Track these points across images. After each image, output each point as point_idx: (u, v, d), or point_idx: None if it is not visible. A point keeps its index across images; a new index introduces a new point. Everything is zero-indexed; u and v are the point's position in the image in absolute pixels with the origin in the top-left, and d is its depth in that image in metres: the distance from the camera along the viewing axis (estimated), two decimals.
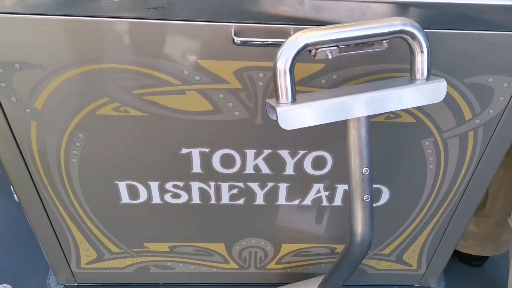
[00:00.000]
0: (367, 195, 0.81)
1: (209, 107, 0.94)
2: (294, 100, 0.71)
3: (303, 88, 0.90)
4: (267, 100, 0.74)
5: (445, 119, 0.96)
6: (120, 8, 0.78)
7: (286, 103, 0.71)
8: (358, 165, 0.79)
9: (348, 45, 0.73)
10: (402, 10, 0.79)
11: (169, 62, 0.87)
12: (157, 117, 0.95)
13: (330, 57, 0.71)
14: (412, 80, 0.76)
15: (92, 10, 0.79)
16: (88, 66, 0.86)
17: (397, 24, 0.72)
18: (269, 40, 0.81)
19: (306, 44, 0.69)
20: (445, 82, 0.75)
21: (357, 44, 0.73)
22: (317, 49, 0.71)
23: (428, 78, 0.76)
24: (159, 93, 0.91)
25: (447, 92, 0.83)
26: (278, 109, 0.70)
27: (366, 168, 0.79)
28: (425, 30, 0.78)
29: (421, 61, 0.74)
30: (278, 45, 0.80)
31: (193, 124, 0.97)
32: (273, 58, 0.82)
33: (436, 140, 1.00)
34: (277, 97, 0.72)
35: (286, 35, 0.81)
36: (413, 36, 0.73)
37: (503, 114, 0.94)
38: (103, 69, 0.87)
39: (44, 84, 0.88)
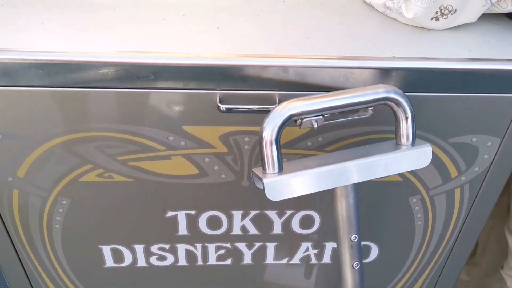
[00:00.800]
0: (356, 262, 0.80)
1: (195, 171, 0.93)
2: (281, 170, 0.71)
3: (289, 150, 0.90)
4: (253, 170, 0.74)
5: (431, 177, 0.96)
6: (104, 78, 0.78)
7: (273, 173, 0.70)
8: (346, 232, 0.79)
9: (333, 113, 0.73)
10: (384, 75, 0.80)
11: (154, 129, 0.86)
12: (142, 182, 0.94)
13: (315, 126, 0.71)
14: (397, 145, 0.77)
15: (76, 81, 0.78)
16: (72, 135, 0.85)
17: (380, 91, 0.73)
18: (254, 107, 0.82)
19: (292, 114, 0.70)
20: (430, 147, 0.75)
21: (342, 111, 0.73)
22: (302, 118, 0.71)
23: (413, 143, 0.76)
24: (144, 158, 0.90)
25: (432, 151, 0.83)
26: (265, 181, 0.70)
27: (355, 235, 0.78)
28: (408, 93, 0.79)
29: (406, 127, 0.74)
30: (263, 112, 0.80)
31: (179, 187, 0.95)
32: (259, 123, 0.82)
33: (423, 197, 0.99)
34: (263, 167, 0.71)
35: (271, 101, 0.82)
36: (397, 103, 0.73)
37: (488, 171, 0.95)
38: (87, 137, 0.86)
39: (26, 153, 0.87)
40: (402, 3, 0.84)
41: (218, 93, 0.82)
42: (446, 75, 0.81)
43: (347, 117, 0.75)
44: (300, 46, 0.82)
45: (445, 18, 0.83)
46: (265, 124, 0.69)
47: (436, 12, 0.82)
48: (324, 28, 0.88)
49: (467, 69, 0.80)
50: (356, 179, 0.73)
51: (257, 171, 0.73)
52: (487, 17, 0.89)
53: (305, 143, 0.89)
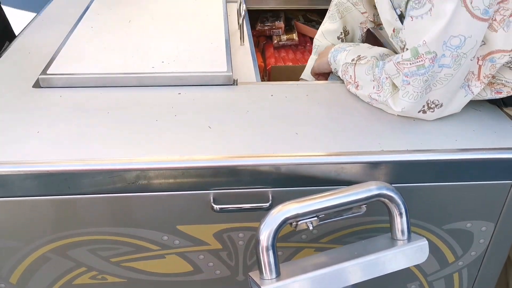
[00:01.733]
0: None
1: (189, 268, 0.92)
2: (278, 275, 0.70)
3: (284, 244, 0.90)
4: (250, 274, 0.73)
5: (429, 263, 0.95)
6: (98, 185, 0.78)
7: (271, 279, 0.69)
8: None
9: (328, 213, 0.73)
10: (375, 168, 0.82)
11: (148, 230, 0.85)
12: (136, 281, 0.92)
13: (311, 227, 0.71)
14: (393, 240, 0.76)
15: (71, 189, 0.78)
16: (66, 240, 0.84)
17: (373, 188, 0.73)
18: (248, 206, 0.82)
19: (286, 218, 0.70)
20: (427, 242, 0.75)
21: (336, 211, 0.74)
22: (297, 221, 0.71)
23: (409, 238, 0.76)
24: (138, 259, 0.89)
25: (428, 238, 0.83)
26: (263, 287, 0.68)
27: None
28: (399, 184, 0.81)
29: (401, 223, 0.75)
30: (257, 210, 0.80)
31: (173, 285, 0.94)
32: (253, 219, 0.82)
33: (422, 283, 0.98)
34: (260, 272, 0.70)
35: (264, 198, 0.82)
36: (390, 199, 0.74)
37: (485, 254, 0.95)
38: (81, 242, 0.85)
39: (19, 260, 0.86)
40: (388, 97, 0.86)
41: (211, 193, 0.82)
42: (435, 166, 0.82)
43: (342, 216, 0.75)
44: (290, 142, 0.84)
45: (432, 111, 0.85)
46: (261, 229, 0.69)
47: (423, 106, 0.85)
48: (312, 122, 0.90)
49: (455, 159, 0.82)
50: (354, 280, 0.72)
51: (255, 276, 0.72)
52: (470, 103, 0.92)
53: (300, 236, 0.89)
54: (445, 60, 0.77)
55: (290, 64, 1.66)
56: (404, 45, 0.81)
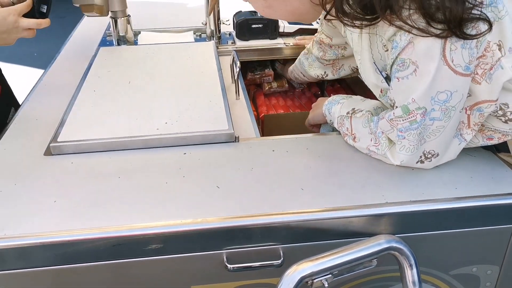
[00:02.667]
0: None
1: None
2: None
3: None
4: None
5: None
6: (114, 251, 0.80)
7: None
8: None
9: (341, 270, 0.76)
10: (381, 220, 0.85)
11: None
12: None
13: (326, 285, 0.73)
14: None
15: (90, 257, 0.80)
16: None
17: (382, 242, 0.77)
18: (260, 264, 0.84)
19: (302, 277, 0.72)
20: None
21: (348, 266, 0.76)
22: (313, 279, 0.73)
23: None
24: None
25: (436, 284, 0.86)
26: None
27: None
28: (404, 234, 0.84)
29: (412, 275, 0.77)
30: (270, 267, 0.83)
31: None
32: (266, 275, 0.84)
33: None
34: None
35: (276, 255, 0.85)
36: (400, 252, 0.77)
37: None
38: None
39: None
40: (387, 151, 0.90)
41: (224, 252, 0.84)
42: (438, 215, 0.86)
43: (354, 271, 0.78)
44: (297, 199, 0.87)
45: (429, 161, 0.89)
46: None
47: (421, 157, 0.89)
48: (316, 177, 0.93)
49: (457, 207, 0.85)
50: None
51: None
52: (465, 150, 0.96)
53: None
54: (435, 114, 0.81)
55: (282, 111, 1.70)
56: (394, 103, 0.86)
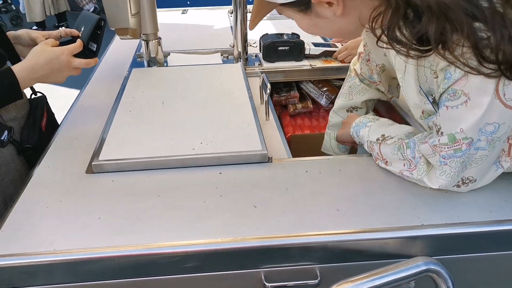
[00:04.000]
0: None
1: None
2: None
3: None
4: None
5: None
6: (156, 268, 0.82)
7: None
8: None
9: None
10: (417, 242, 0.86)
11: None
12: None
13: None
14: None
15: (135, 272, 0.83)
16: None
17: (420, 264, 0.78)
18: (298, 283, 0.86)
19: None
20: None
21: None
22: None
23: None
24: None
25: None
26: None
27: None
28: (440, 256, 0.85)
29: None
30: (307, 286, 0.84)
31: None
32: None
33: None
34: None
35: (312, 275, 0.86)
36: (438, 274, 0.78)
37: None
38: None
39: None
40: (424, 176, 0.92)
41: (262, 271, 0.86)
42: (474, 238, 0.87)
43: None
44: (333, 219, 0.89)
45: (466, 186, 0.91)
46: None
47: (458, 182, 0.90)
48: (351, 198, 0.95)
49: (492, 231, 0.86)
50: None
51: None
52: (500, 174, 0.97)
53: None
54: (481, 144, 0.83)
55: (308, 132, 1.73)
56: (439, 129, 0.87)
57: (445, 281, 0.78)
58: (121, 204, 0.92)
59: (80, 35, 1.26)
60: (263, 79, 1.39)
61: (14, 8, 6.74)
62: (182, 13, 2.47)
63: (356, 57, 1.33)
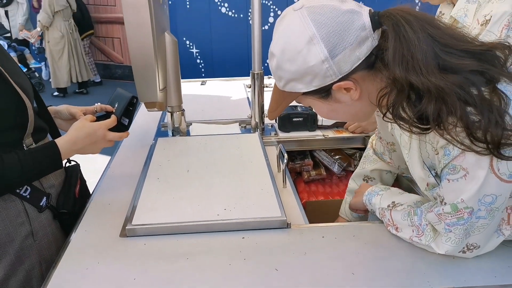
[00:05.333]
0: None
1: None
2: None
3: None
4: None
5: None
6: None
7: None
8: None
9: None
10: None
11: None
12: None
13: None
14: None
15: None
16: None
17: None
18: None
19: None
20: None
21: None
22: None
23: None
24: None
25: None
26: None
27: None
28: None
29: None
30: None
31: None
32: None
33: None
34: None
35: None
36: None
37: None
38: None
39: None
40: (431, 242, 1.00)
41: None
42: None
43: None
44: (350, 283, 0.96)
45: (470, 252, 0.99)
46: None
47: (463, 248, 0.98)
48: (365, 262, 1.03)
49: None
50: None
51: None
52: (502, 241, 1.04)
53: None
54: (481, 213, 0.91)
55: (322, 198, 1.82)
56: (443, 199, 0.96)
57: None
58: (153, 266, 1.00)
59: (114, 110, 1.38)
60: (280, 149, 1.50)
61: (37, 75, 7.08)
62: (201, 84, 2.64)
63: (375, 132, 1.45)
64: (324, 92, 0.98)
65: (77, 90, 6.83)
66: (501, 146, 0.83)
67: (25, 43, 7.10)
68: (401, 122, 0.91)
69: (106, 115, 1.37)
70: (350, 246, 1.09)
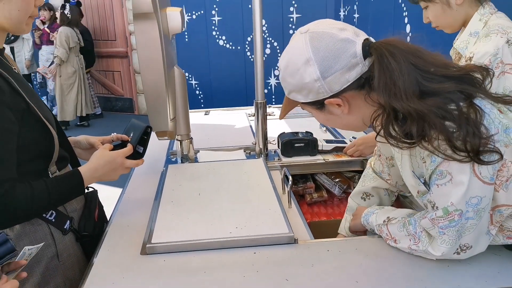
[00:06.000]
0: None
1: None
2: None
3: None
4: None
5: None
6: None
7: None
8: None
9: None
10: None
11: None
12: None
13: None
14: None
15: None
16: None
17: None
18: None
19: None
20: None
21: None
22: None
23: None
24: None
25: None
26: None
27: None
28: None
29: None
30: None
31: None
32: None
33: None
34: None
35: None
36: None
37: None
38: None
39: None
40: (428, 246, 1.10)
41: None
42: None
43: None
44: None
45: (464, 253, 1.08)
46: None
47: (457, 249, 1.07)
48: (368, 272, 1.12)
49: None
50: None
51: None
52: (491, 249, 1.14)
53: None
54: (469, 214, 1.02)
55: (325, 218, 1.91)
56: (434, 204, 1.06)
57: None
58: (174, 280, 1.10)
59: (129, 139, 1.49)
60: (285, 173, 1.60)
61: None
62: (205, 114, 2.76)
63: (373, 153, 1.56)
64: (319, 104, 1.11)
65: (78, 123, 6.95)
66: (480, 153, 0.95)
67: (27, 78, 7.25)
68: (391, 140, 1.03)
69: (122, 144, 1.48)
70: (353, 258, 1.18)
